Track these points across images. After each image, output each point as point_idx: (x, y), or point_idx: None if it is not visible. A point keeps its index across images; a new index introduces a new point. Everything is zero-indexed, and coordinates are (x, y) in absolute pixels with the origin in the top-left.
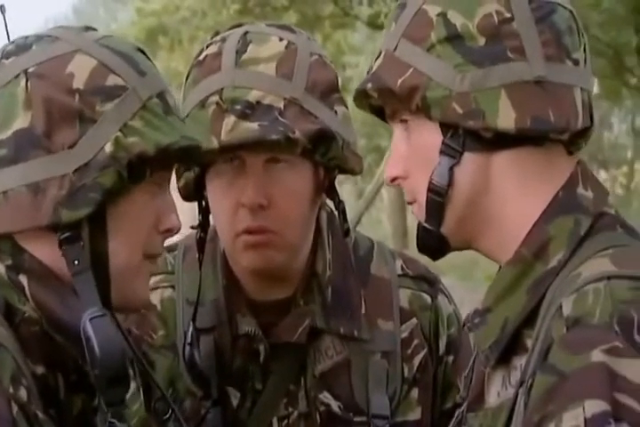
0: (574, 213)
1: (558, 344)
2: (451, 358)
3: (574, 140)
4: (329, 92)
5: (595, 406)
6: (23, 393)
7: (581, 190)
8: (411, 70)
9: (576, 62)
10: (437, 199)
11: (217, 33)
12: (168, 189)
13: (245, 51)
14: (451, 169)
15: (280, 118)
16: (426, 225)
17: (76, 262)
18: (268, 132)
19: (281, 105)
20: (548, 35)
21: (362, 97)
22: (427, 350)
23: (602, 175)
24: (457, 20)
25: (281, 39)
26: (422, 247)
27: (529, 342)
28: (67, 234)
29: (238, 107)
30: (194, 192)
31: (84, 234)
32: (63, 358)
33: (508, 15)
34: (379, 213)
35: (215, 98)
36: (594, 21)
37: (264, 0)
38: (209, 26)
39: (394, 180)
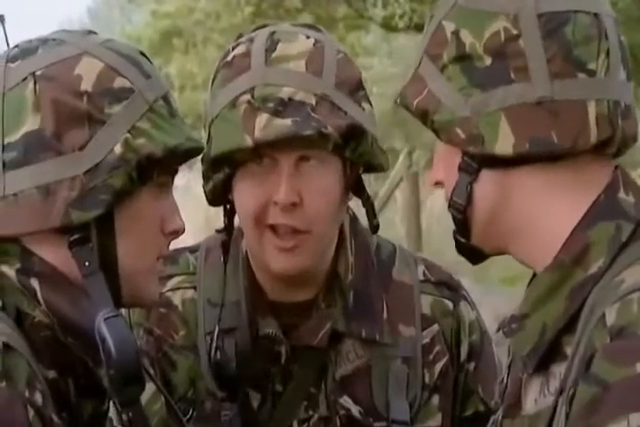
0: (616, 218)
1: (602, 354)
2: (472, 365)
3: (604, 147)
4: (356, 89)
5: None
6: (38, 397)
7: (623, 195)
8: (426, 91)
9: (591, 73)
10: (458, 216)
11: (240, 35)
12: (171, 191)
13: (275, 49)
14: (469, 186)
15: (312, 114)
16: (457, 237)
17: (87, 264)
18: (302, 128)
19: (313, 101)
20: (556, 50)
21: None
22: (448, 357)
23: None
24: (467, 39)
25: (308, 37)
26: (460, 253)
27: (568, 350)
28: (76, 236)
29: (271, 104)
30: (220, 195)
31: (93, 235)
32: (73, 363)
33: (515, 32)
34: (393, 214)
35: (246, 97)
36: None
37: (278, 2)
38: (223, 28)
39: (437, 183)
